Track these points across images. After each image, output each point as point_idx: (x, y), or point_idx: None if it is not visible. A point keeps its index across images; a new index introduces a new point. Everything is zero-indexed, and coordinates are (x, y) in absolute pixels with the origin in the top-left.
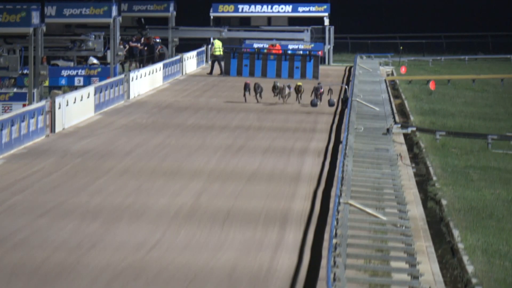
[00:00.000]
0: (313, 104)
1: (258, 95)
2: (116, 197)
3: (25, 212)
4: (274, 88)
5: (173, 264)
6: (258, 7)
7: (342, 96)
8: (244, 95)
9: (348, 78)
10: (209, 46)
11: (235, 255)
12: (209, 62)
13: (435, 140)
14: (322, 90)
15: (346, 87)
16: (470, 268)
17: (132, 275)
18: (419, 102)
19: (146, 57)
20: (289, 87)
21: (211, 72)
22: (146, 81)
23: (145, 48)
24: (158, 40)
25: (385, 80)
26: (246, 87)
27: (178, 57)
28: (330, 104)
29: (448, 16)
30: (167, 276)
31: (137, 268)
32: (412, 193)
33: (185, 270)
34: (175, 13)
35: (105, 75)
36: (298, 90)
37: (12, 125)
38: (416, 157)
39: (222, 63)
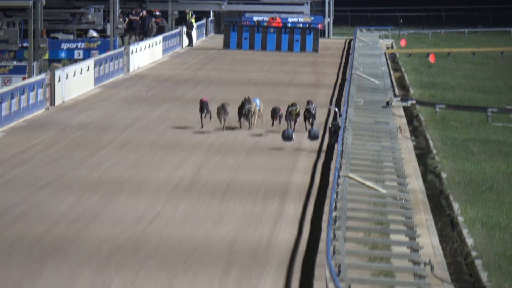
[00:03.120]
0: (286, 136)
1: (222, 119)
2: (116, 170)
3: (24, 185)
4: (274, 112)
5: (173, 237)
6: None
7: (330, 124)
8: (201, 117)
9: (348, 51)
10: (207, 19)
11: (235, 228)
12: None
13: (435, 113)
14: (296, 109)
15: (337, 109)
16: (469, 241)
17: (132, 248)
18: (419, 75)
19: (139, 31)
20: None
21: (191, 44)
22: (145, 54)
23: (139, 20)
24: (157, 13)
25: (385, 53)
26: (203, 107)
27: (177, 30)
28: (312, 135)
29: None
30: (167, 249)
31: (137, 241)
32: (411, 166)
33: (185, 243)
34: None
35: (104, 48)
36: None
37: (11, 98)
38: (415, 130)
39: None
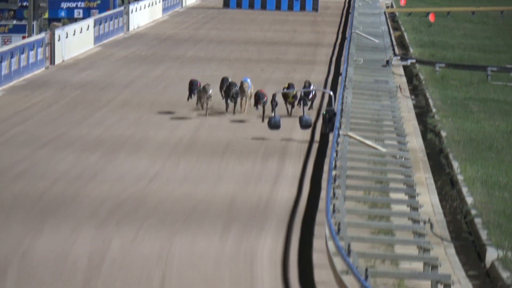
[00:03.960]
0: (274, 124)
1: (204, 103)
2: (116, 129)
3: (25, 143)
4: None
5: (173, 195)
6: None
7: (324, 110)
8: (188, 99)
9: (348, 10)
10: None
11: (234, 187)
12: None
13: (434, 72)
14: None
15: (332, 93)
16: (469, 200)
17: (132, 206)
18: (419, 34)
19: None
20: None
21: None
22: (145, 13)
23: None
24: None
25: (385, 12)
26: (194, 88)
27: None
28: (303, 123)
29: None
30: (167, 207)
31: (137, 199)
32: (411, 125)
33: (184, 201)
34: None
35: (104, 7)
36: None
37: (11, 57)
38: (415, 89)
39: None
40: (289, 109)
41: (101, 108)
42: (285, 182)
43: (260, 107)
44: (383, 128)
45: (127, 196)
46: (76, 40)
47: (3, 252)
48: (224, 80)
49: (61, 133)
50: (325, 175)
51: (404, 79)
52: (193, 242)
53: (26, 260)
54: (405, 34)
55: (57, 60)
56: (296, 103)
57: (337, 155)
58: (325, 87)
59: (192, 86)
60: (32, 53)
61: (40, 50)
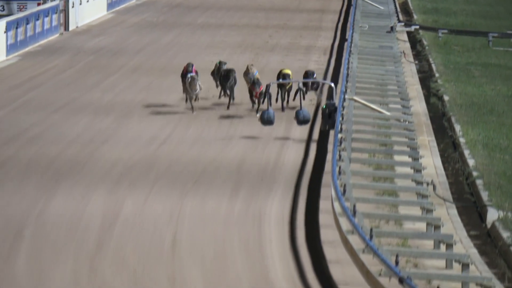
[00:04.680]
0: (266, 120)
1: (193, 97)
2: (128, 94)
3: (39, 108)
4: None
5: (183, 158)
6: None
7: (324, 104)
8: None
9: None
10: None
11: (243, 150)
12: None
13: (437, 38)
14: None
15: (333, 84)
16: (471, 162)
17: (143, 169)
18: (422, 1)
19: None
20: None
21: None
22: None
23: None
24: None
25: None
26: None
27: None
28: (300, 119)
29: None
30: (178, 169)
31: (148, 161)
32: (415, 89)
33: (195, 164)
34: None
35: None
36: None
37: (27, 24)
38: (419, 54)
39: None
40: (284, 100)
41: (113, 74)
42: (292, 145)
43: (256, 100)
44: (387, 92)
45: (139, 159)
46: (89, 7)
47: (19, 213)
48: (219, 65)
49: (74, 98)
50: (331, 138)
51: (408, 45)
52: (203, 202)
53: (41, 221)
54: (409, 1)
55: (71, 27)
56: (291, 95)
57: (342, 118)
58: (331, 53)
59: (185, 75)
60: (46, 19)
61: (54, 16)
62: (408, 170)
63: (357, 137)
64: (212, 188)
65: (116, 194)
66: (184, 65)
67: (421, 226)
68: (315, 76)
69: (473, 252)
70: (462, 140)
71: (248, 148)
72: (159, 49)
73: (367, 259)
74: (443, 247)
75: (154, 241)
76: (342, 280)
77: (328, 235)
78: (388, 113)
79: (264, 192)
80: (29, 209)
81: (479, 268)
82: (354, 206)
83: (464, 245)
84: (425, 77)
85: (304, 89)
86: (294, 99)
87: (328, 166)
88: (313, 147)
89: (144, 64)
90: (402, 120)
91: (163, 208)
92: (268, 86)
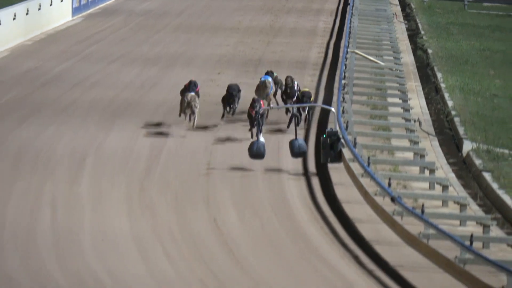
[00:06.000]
0: (256, 153)
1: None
2: (171, 47)
3: (99, 59)
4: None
5: (216, 100)
6: None
7: (325, 133)
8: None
9: None
10: None
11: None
12: None
13: (423, 3)
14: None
15: (333, 110)
16: (450, 103)
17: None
18: None
19: None
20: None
21: None
22: None
23: None
24: None
25: None
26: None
27: None
28: (296, 150)
29: None
30: (212, 109)
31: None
32: (404, 44)
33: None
34: None
35: None
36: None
37: None
38: (408, 16)
39: None
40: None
41: (159, 31)
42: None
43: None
44: (382, 46)
45: (179, 101)
46: None
47: (82, 145)
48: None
49: (127, 51)
50: (336, 84)
51: (398, 8)
52: (231, 137)
53: (100, 151)
54: None
55: None
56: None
57: (345, 67)
58: (336, 14)
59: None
60: None
61: None
62: (398, 109)
63: (357, 83)
64: (240, 125)
65: (162, 129)
66: (186, 83)
67: (409, 155)
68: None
69: (452, 176)
70: (442, 85)
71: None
72: (197, 11)
73: (365, 182)
74: (427, 172)
75: (192, 168)
76: (345, 199)
77: None
78: (382, 64)
79: (281, 130)
80: (90, 141)
81: (456, 189)
82: (355, 139)
83: (444, 171)
84: (413, 34)
85: (299, 115)
86: (288, 126)
87: (333, 107)
88: (322, 91)
89: (184, 23)
90: (394, 69)
91: (200, 141)
92: (254, 101)
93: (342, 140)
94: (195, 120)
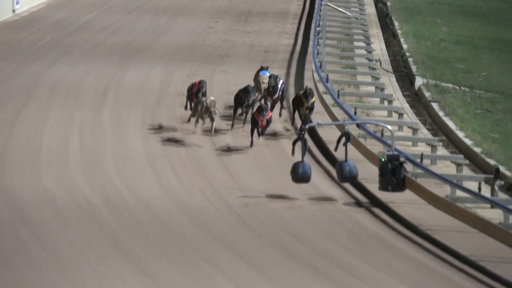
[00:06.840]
0: (302, 176)
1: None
2: (178, 1)
3: (118, 10)
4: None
5: (215, 43)
6: None
7: (385, 156)
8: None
9: None
10: None
11: (253, 39)
12: None
13: None
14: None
15: (391, 128)
16: (405, 46)
17: (188, 50)
18: None
19: None
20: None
21: None
22: None
23: None
24: None
25: None
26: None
27: None
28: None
29: None
30: (211, 51)
31: (191, 46)
32: None
33: (222, 48)
34: None
35: None
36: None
37: None
38: None
39: None
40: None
41: None
42: (286, 36)
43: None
44: (350, 0)
45: (185, 44)
46: None
47: (105, 80)
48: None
49: (142, 3)
50: (312, 31)
51: None
52: (228, 71)
53: (120, 86)
54: None
55: None
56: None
57: (320, 17)
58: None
59: (198, 91)
60: None
61: None
62: (363, 51)
63: (329, 30)
64: (234, 62)
65: (169, 68)
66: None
67: (371, 89)
68: (282, 81)
69: (406, 106)
70: (399, 32)
71: (256, 37)
72: None
73: (336, 110)
74: (386, 103)
75: None
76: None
77: None
78: (350, 14)
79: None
80: (112, 77)
81: (410, 117)
82: (327, 76)
83: (400, 101)
84: None
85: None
86: (336, 148)
87: (310, 49)
88: (300, 37)
89: None
90: (359, 18)
91: (201, 76)
92: (303, 130)
93: (405, 165)
94: (214, 128)
